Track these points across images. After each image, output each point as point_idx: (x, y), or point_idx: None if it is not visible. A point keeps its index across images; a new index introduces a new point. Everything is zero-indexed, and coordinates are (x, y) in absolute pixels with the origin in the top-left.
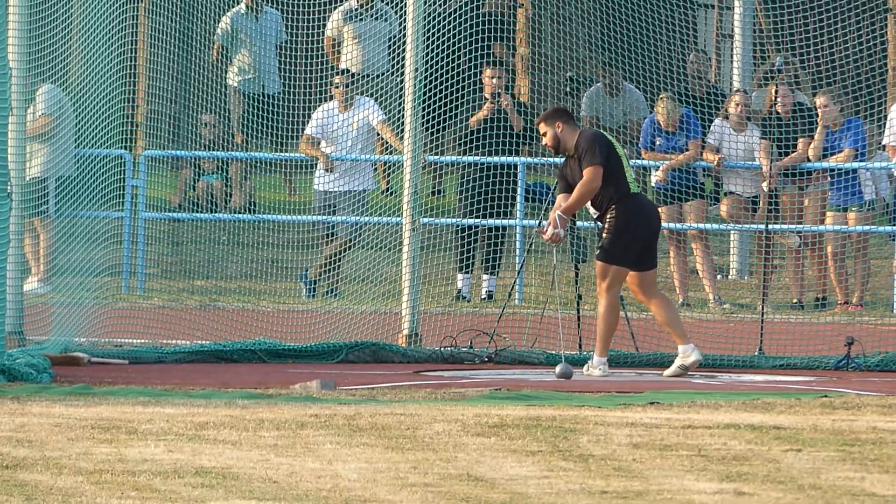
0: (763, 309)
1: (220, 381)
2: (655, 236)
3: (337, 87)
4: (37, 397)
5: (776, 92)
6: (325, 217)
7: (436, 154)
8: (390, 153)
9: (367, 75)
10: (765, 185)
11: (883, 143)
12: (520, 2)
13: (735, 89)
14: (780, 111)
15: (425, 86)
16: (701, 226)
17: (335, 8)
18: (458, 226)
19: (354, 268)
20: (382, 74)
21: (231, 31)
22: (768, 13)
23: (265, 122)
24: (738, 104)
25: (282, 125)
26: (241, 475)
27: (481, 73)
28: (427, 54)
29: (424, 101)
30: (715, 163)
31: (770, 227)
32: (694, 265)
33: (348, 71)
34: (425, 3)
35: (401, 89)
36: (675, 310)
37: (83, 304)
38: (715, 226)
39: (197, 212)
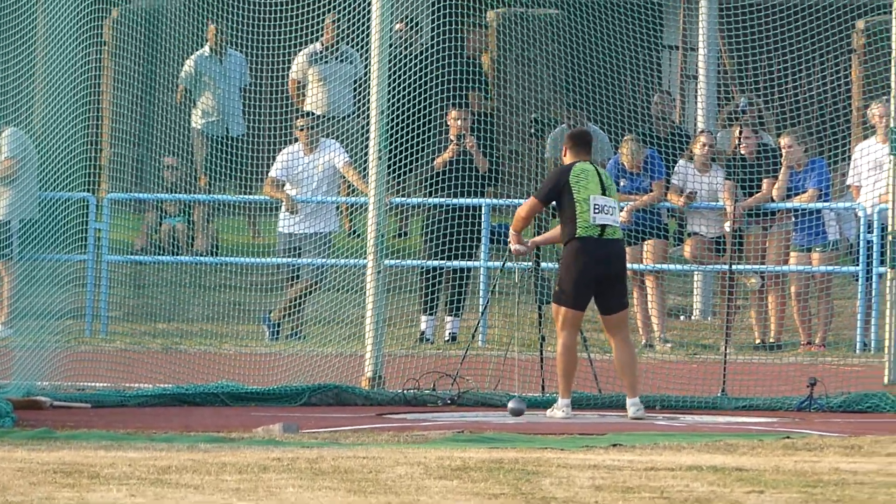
0: (726, 350)
1: (183, 424)
2: (609, 280)
3: (301, 130)
4: None
5: (740, 133)
6: (288, 259)
7: (400, 196)
8: (355, 195)
9: (332, 117)
10: (727, 225)
11: (847, 183)
12: (485, 45)
13: (700, 130)
14: (744, 152)
15: (390, 128)
16: (665, 266)
17: (300, 50)
18: (422, 268)
19: (318, 310)
20: (347, 116)
21: (195, 73)
22: (732, 54)
23: (229, 164)
24: (703, 145)
25: (246, 167)
26: None
27: (446, 114)
28: (392, 96)
29: (389, 143)
30: (682, 202)
31: (733, 267)
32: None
33: (312, 113)
34: (390, 45)
35: (365, 131)
36: (633, 358)
37: (45, 347)
38: (678, 266)
39: (160, 254)
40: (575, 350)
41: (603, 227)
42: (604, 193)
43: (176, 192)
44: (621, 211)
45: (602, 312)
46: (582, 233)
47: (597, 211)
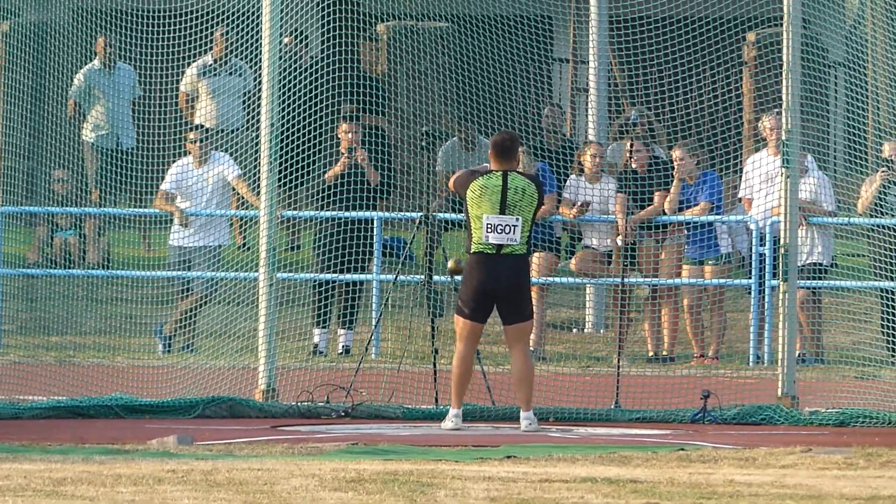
0: (619, 362)
1: (77, 436)
2: (505, 294)
3: (192, 143)
4: None
5: (631, 146)
6: (180, 272)
7: (292, 209)
8: (246, 208)
9: (223, 130)
10: (619, 238)
11: (739, 195)
12: (376, 58)
13: (588, 140)
14: (635, 165)
15: (280, 141)
16: (554, 279)
17: (190, 63)
18: (314, 281)
19: (210, 323)
20: (238, 129)
21: (85, 86)
22: (623, 67)
23: (121, 177)
24: (593, 155)
25: (138, 180)
26: None
27: (337, 127)
28: (282, 109)
29: (280, 156)
30: (575, 213)
31: (625, 280)
32: (550, 319)
33: (203, 126)
34: (280, 58)
35: (256, 144)
36: (529, 372)
37: None
38: (571, 280)
39: (53, 268)
40: (470, 361)
41: (499, 245)
42: (503, 211)
43: (67, 206)
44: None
45: (503, 323)
46: (476, 248)
47: (490, 230)
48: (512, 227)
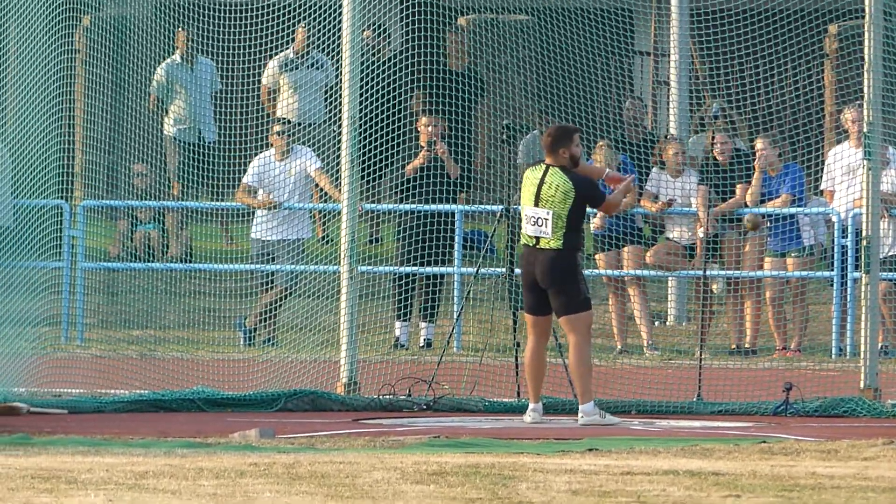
0: (701, 355)
1: (159, 430)
2: (542, 286)
3: (277, 135)
4: None
5: (713, 138)
6: (262, 266)
7: (373, 202)
8: (327, 201)
9: (304, 124)
10: (700, 231)
11: (821, 188)
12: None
13: (666, 136)
14: (718, 157)
15: (361, 134)
16: (638, 272)
17: (271, 57)
18: (395, 274)
19: (292, 316)
20: (319, 123)
21: (166, 81)
22: (704, 60)
23: (202, 171)
24: (675, 153)
25: (218, 174)
26: None
27: (417, 121)
28: (363, 103)
29: (361, 150)
30: (658, 207)
31: (707, 273)
32: (632, 312)
33: (287, 119)
34: (361, 52)
35: (337, 138)
36: (578, 366)
37: (22, 354)
38: (652, 272)
39: (134, 262)
40: (536, 354)
41: (534, 236)
42: (536, 204)
43: (148, 199)
44: (595, 217)
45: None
46: (522, 240)
47: (528, 222)
48: (543, 220)
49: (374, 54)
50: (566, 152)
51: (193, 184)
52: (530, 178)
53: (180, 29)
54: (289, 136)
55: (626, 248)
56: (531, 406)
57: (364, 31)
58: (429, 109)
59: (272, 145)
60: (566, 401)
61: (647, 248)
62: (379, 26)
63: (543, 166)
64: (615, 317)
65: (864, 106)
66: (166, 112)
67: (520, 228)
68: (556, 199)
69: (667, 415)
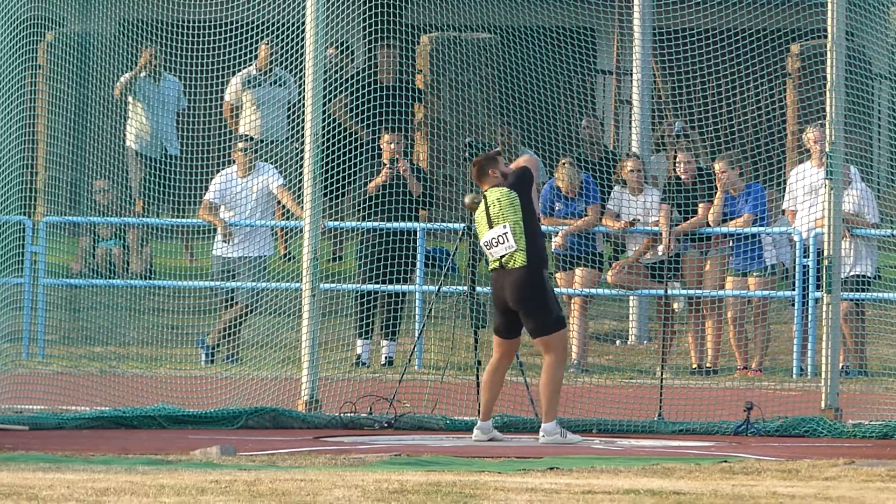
0: (662, 374)
1: (121, 447)
2: (512, 307)
3: (239, 152)
4: None
5: (675, 157)
6: (223, 283)
7: (335, 220)
8: (289, 219)
9: (267, 141)
10: (661, 249)
11: (783, 207)
12: (418, 68)
13: (626, 153)
14: (681, 176)
15: (324, 152)
16: (596, 291)
17: (234, 73)
18: (357, 291)
19: (254, 333)
20: (282, 140)
21: (129, 89)
22: (666, 79)
23: (164, 187)
24: (631, 170)
25: (181, 191)
26: None
27: (379, 138)
28: (325, 120)
29: (323, 167)
30: (620, 226)
31: (668, 292)
32: (593, 330)
33: (250, 136)
34: (324, 69)
35: (300, 155)
36: (546, 384)
37: None
38: (613, 291)
39: (96, 278)
40: (495, 373)
41: (500, 257)
42: (490, 226)
43: (110, 216)
44: (556, 235)
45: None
46: (490, 266)
47: (488, 247)
48: (503, 236)
49: (336, 71)
50: (495, 171)
51: (156, 200)
52: (478, 213)
53: (144, 48)
54: (252, 152)
55: (577, 270)
56: (480, 423)
57: (328, 48)
58: (391, 127)
59: (235, 162)
60: (526, 419)
61: (605, 268)
62: (343, 44)
63: (481, 195)
64: (576, 336)
65: (827, 126)
66: (127, 120)
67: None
68: (506, 209)
69: (628, 434)
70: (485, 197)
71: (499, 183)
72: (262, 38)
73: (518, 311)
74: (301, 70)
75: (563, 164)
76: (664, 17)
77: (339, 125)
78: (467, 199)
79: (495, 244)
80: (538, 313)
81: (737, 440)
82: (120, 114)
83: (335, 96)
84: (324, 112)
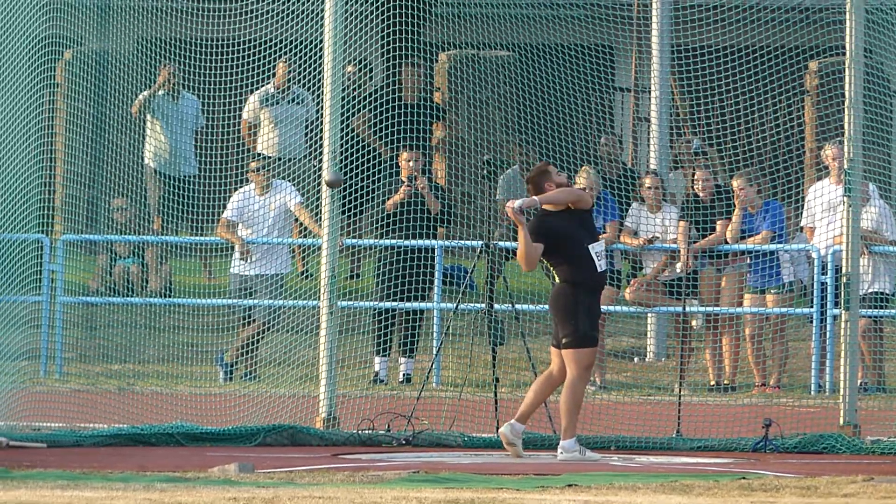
0: (680, 391)
1: (138, 464)
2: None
3: (253, 172)
4: None
5: (693, 174)
6: (241, 300)
7: (353, 237)
8: (307, 236)
9: (284, 158)
10: (679, 266)
11: (801, 224)
12: (436, 86)
13: (645, 171)
14: (702, 194)
15: (342, 169)
16: (616, 308)
17: (252, 91)
18: (375, 309)
19: (272, 351)
20: (300, 158)
21: (147, 107)
22: (685, 96)
23: (182, 204)
24: (649, 187)
25: (199, 208)
26: None
27: (398, 156)
28: (343, 138)
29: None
30: (639, 243)
31: (686, 309)
32: (611, 348)
33: (264, 155)
34: (342, 87)
35: (318, 173)
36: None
37: (1, 388)
38: (631, 308)
39: (113, 296)
40: (546, 379)
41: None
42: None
43: (128, 234)
44: None
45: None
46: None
47: (599, 258)
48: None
49: (355, 89)
50: (551, 185)
51: (174, 218)
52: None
53: (163, 66)
54: (266, 171)
55: None
56: (513, 421)
57: (348, 66)
58: (410, 145)
59: (251, 180)
60: (546, 436)
61: (623, 285)
62: (361, 61)
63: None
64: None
65: (845, 143)
66: (146, 138)
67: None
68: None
69: (646, 451)
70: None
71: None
72: (279, 56)
73: (554, 320)
74: (319, 88)
75: (584, 169)
76: (682, 34)
77: (361, 142)
78: (328, 177)
79: (600, 258)
80: (566, 325)
81: (755, 457)
82: (138, 132)
83: (354, 114)
84: (344, 129)
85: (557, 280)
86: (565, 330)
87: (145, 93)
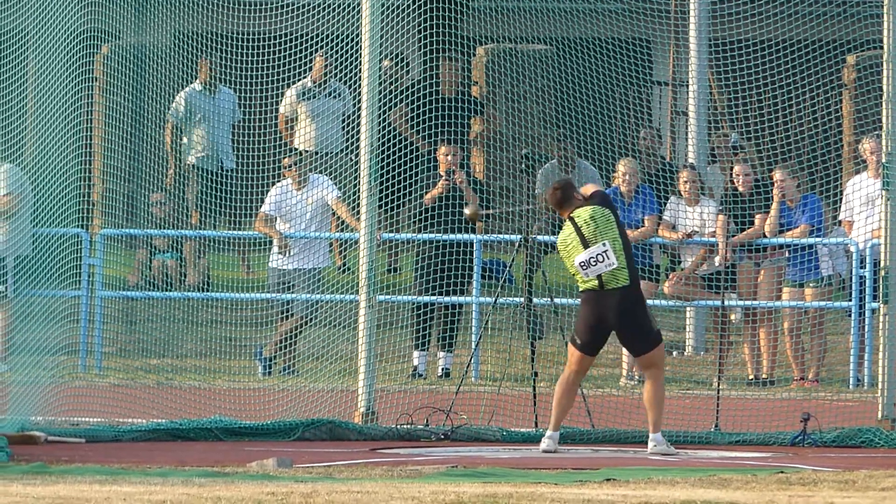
0: (719, 385)
1: (177, 459)
2: (614, 328)
3: (288, 169)
4: None
5: (731, 168)
6: (280, 295)
7: (391, 231)
8: (345, 230)
9: (322, 153)
10: (717, 260)
11: (839, 218)
12: (474, 80)
13: (683, 164)
14: (741, 188)
15: (380, 163)
16: (655, 302)
17: (289, 86)
18: (413, 303)
19: (310, 345)
20: (337, 152)
21: (185, 109)
22: (723, 90)
23: (220, 199)
24: (685, 181)
25: (237, 203)
26: None
27: (436, 150)
28: (381, 132)
29: (380, 179)
30: (678, 236)
31: (725, 303)
32: None
33: (297, 150)
34: (379, 81)
35: (356, 167)
36: (653, 396)
37: (40, 382)
38: (670, 302)
39: (152, 290)
40: (571, 386)
41: (599, 277)
42: (585, 245)
43: (166, 228)
44: None
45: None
46: (583, 286)
47: (584, 268)
48: (602, 254)
49: (391, 83)
50: (578, 195)
51: (212, 212)
52: (565, 236)
53: (203, 58)
54: (299, 166)
55: None
56: (549, 433)
57: (384, 60)
58: (448, 139)
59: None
60: (583, 430)
61: (662, 279)
62: (398, 55)
63: (568, 220)
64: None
65: (883, 136)
66: (182, 140)
67: (538, 258)
68: (602, 228)
69: (685, 444)
70: (571, 219)
71: (583, 204)
72: (317, 50)
73: (622, 330)
74: (356, 82)
75: (625, 159)
76: (720, 27)
77: (399, 136)
78: (468, 211)
79: (594, 263)
80: (642, 332)
81: (793, 451)
82: (177, 128)
83: (391, 107)
84: (382, 123)
85: (619, 284)
86: (643, 334)
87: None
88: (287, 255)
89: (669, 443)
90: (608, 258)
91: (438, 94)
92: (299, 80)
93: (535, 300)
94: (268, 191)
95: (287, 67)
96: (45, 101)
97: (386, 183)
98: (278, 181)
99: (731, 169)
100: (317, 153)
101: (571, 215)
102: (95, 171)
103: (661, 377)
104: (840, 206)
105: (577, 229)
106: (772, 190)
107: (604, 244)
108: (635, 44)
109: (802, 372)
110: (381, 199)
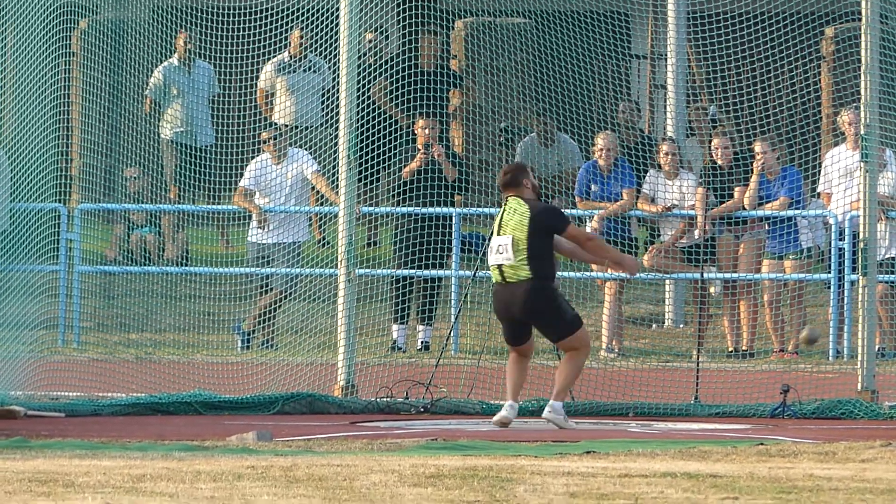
0: (698, 357)
1: (157, 433)
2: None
3: (265, 143)
4: None
5: (709, 141)
6: (259, 269)
7: (370, 205)
8: (324, 204)
9: (301, 127)
10: (697, 233)
11: (818, 190)
12: (453, 53)
13: (662, 137)
14: (720, 161)
15: (358, 137)
16: (640, 276)
17: (267, 60)
18: (393, 276)
19: (289, 319)
20: (316, 126)
21: (163, 84)
22: (701, 63)
23: (198, 174)
24: (665, 153)
25: (215, 177)
26: None
27: (414, 123)
28: (360, 106)
29: (358, 153)
30: (656, 209)
31: (705, 276)
32: (629, 314)
33: (275, 124)
34: (358, 55)
35: (334, 141)
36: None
37: (19, 357)
38: (650, 275)
39: (130, 265)
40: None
41: (499, 266)
42: (499, 232)
43: (143, 203)
44: (591, 219)
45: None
46: (493, 277)
47: (492, 252)
48: (504, 247)
49: (371, 56)
50: (528, 182)
51: (190, 187)
52: (496, 216)
53: (181, 32)
54: (278, 141)
55: None
56: (507, 403)
57: (367, 33)
58: (426, 112)
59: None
60: (564, 403)
61: (640, 252)
62: (377, 28)
63: (504, 202)
64: (608, 319)
65: (861, 108)
66: (161, 115)
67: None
68: (517, 225)
69: (664, 417)
70: (506, 202)
71: (528, 197)
72: (295, 24)
73: (530, 322)
74: (335, 56)
75: (603, 133)
76: (698, 0)
77: (377, 110)
78: (804, 333)
79: (496, 251)
80: (553, 321)
81: (773, 423)
82: (154, 102)
83: (370, 81)
84: (361, 96)
85: (519, 278)
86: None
87: (156, 74)
88: (266, 229)
89: (568, 416)
90: (507, 251)
91: (417, 67)
92: (278, 54)
93: None
94: (246, 165)
95: (265, 41)
96: (23, 76)
97: (365, 157)
98: (257, 155)
99: (710, 142)
100: (296, 127)
101: (508, 199)
102: (74, 145)
103: (579, 355)
104: (819, 179)
105: (502, 214)
106: (751, 163)
107: (509, 237)
108: (613, 17)
109: (782, 344)
110: (359, 172)
